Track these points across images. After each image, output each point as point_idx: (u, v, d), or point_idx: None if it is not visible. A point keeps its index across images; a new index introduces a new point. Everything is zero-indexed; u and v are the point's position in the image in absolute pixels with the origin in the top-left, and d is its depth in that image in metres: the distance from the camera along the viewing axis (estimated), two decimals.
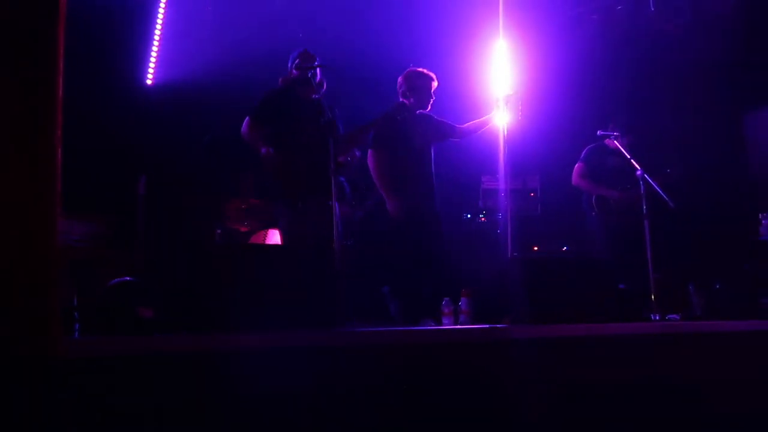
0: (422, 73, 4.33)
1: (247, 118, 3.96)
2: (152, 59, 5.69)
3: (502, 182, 4.60)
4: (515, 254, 4.28)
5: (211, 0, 5.86)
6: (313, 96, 3.94)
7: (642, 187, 4.28)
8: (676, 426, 2.96)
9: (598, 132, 4.88)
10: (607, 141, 5.06)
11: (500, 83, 4.69)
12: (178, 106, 5.44)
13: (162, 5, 5.73)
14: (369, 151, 4.27)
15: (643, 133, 5.23)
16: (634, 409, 2.89)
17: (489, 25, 5.01)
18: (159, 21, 5.73)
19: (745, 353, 3.25)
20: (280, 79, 4.13)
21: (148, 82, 5.68)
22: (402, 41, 5.95)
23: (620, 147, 4.65)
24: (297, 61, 4.04)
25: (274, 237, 4.86)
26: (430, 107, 4.37)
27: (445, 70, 5.89)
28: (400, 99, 4.34)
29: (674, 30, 6.12)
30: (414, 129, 4.22)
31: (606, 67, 6.18)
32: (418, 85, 4.30)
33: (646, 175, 4.26)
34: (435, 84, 4.35)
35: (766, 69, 5.71)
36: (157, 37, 5.71)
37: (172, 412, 2.03)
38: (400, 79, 4.38)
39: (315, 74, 3.95)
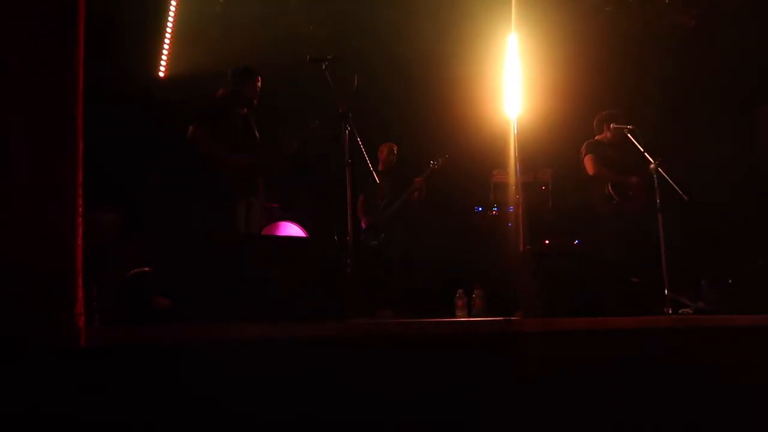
0: None
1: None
2: (164, 52, 5.71)
3: (513, 176, 4.59)
4: (527, 247, 4.27)
5: None
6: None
7: (656, 181, 4.25)
8: (687, 420, 2.96)
9: (611, 125, 4.86)
10: (609, 135, 5.00)
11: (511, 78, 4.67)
12: (189, 98, 5.46)
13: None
14: None
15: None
16: (645, 402, 2.90)
17: (501, 18, 4.99)
18: (171, 14, 5.75)
19: (758, 348, 3.24)
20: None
21: (161, 74, 5.71)
22: (412, 35, 5.94)
23: (634, 140, 4.62)
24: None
25: (287, 229, 4.90)
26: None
27: (456, 64, 5.89)
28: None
29: (688, 22, 6.07)
30: None
31: (619, 60, 6.14)
32: None
33: (660, 169, 4.23)
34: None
35: None
36: (169, 30, 5.73)
37: (190, 402, 2.05)
38: None
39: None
